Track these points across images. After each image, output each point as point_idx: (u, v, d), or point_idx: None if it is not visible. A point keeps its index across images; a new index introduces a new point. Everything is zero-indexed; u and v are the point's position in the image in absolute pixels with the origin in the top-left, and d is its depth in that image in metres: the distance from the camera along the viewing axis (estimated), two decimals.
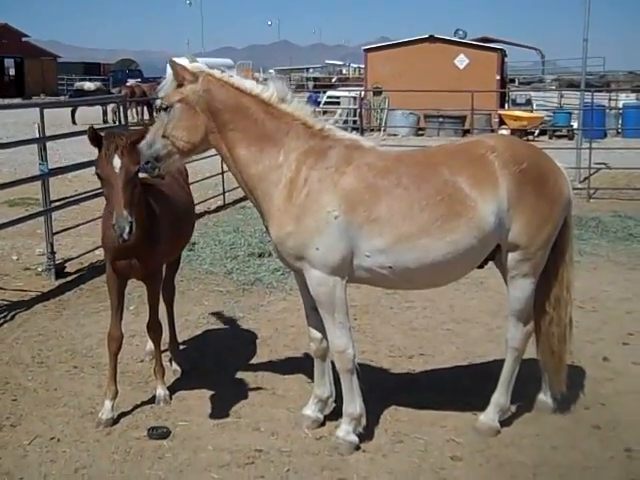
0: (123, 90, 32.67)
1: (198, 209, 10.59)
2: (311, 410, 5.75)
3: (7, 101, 45.16)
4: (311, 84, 54.89)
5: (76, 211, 12.63)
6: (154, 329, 6.14)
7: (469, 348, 7.28)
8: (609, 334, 7.58)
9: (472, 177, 5.11)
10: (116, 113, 32.91)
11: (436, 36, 32.19)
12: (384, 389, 6.29)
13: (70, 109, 33.05)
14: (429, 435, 5.58)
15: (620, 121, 27.77)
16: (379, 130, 29.41)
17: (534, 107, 30.04)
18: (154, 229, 5.70)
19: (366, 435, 5.49)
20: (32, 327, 7.98)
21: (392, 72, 30.66)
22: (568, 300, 5.70)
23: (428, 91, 23.55)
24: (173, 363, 6.80)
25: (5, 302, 8.77)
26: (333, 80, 56.82)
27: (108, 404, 5.82)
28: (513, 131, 24.01)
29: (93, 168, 5.38)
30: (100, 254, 9.84)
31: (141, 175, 5.32)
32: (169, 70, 5.15)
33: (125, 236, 5.01)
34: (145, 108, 33.68)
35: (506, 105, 31.32)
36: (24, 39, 68.86)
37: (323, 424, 5.72)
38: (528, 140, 22.60)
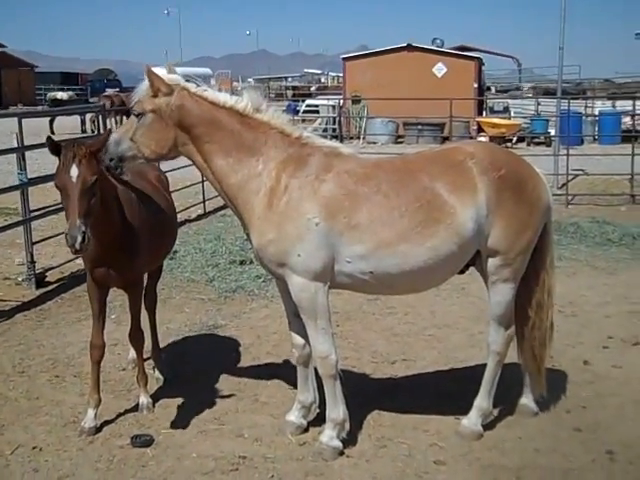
0: (102, 100, 32.53)
1: (179, 217, 10.56)
2: (294, 416, 5.76)
3: None
4: (290, 93, 54.96)
5: (55, 220, 12.54)
6: (136, 338, 6.12)
7: (451, 353, 7.32)
8: (589, 338, 7.64)
9: (451, 183, 5.15)
10: (94, 122, 32.81)
11: (414, 45, 32.37)
12: (367, 395, 6.30)
13: (48, 119, 32.89)
14: (412, 440, 5.60)
15: (596, 128, 28.02)
16: (358, 138, 29.51)
17: (512, 114, 30.27)
18: (131, 239, 5.66)
19: (350, 440, 5.50)
20: (13, 337, 7.93)
21: (371, 80, 30.78)
22: (549, 304, 5.76)
23: (407, 99, 23.70)
24: (156, 371, 6.78)
25: None
26: (312, 89, 56.93)
27: (91, 412, 5.79)
28: (491, 138, 24.19)
29: None
30: (81, 263, 9.76)
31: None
32: (145, 77, 5.16)
33: (77, 246, 4.82)
34: (124, 117, 33.54)
35: (484, 113, 31.51)
36: (0, 50, 68.42)
37: (307, 430, 5.73)
38: (506, 147, 22.74)
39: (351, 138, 29.24)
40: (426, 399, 6.24)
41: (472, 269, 5.63)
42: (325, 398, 5.45)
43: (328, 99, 33.98)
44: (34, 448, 5.55)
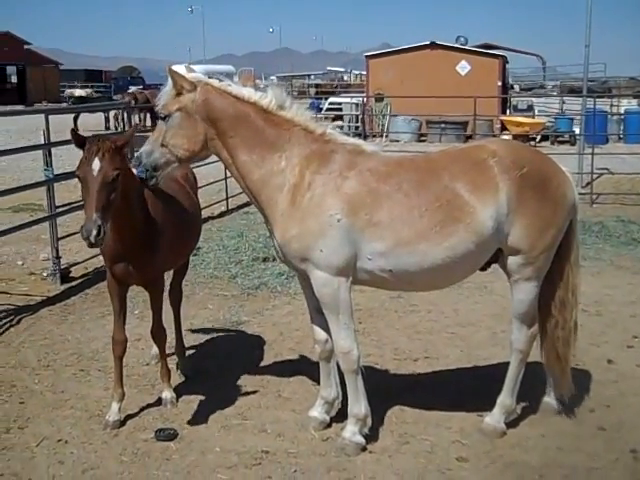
0: (126, 97, 32.72)
1: (202, 214, 10.60)
2: (317, 412, 5.78)
3: (9, 108, 45.21)
4: (313, 91, 54.92)
5: (80, 217, 12.59)
6: (158, 335, 6.14)
7: (473, 351, 7.30)
8: (613, 337, 7.61)
9: (471, 183, 5.14)
10: (118, 119, 33.04)
11: (438, 43, 32.27)
12: (389, 391, 6.31)
13: (72, 116, 33.14)
14: (435, 436, 5.60)
15: (622, 127, 27.81)
16: (381, 136, 29.46)
17: (536, 113, 30.08)
18: (153, 238, 5.65)
19: (372, 436, 5.51)
20: (38, 331, 8.01)
21: (394, 78, 30.74)
22: (573, 303, 5.71)
23: (430, 97, 23.56)
24: (179, 367, 6.83)
25: (11, 307, 8.81)
26: (335, 87, 56.89)
27: (115, 406, 5.84)
28: (515, 137, 24.05)
29: None
30: None
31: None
32: (169, 79, 5.17)
33: (92, 239, 4.80)
34: (148, 115, 33.74)
35: (508, 111, 31.34)
36: (26, 47, 69.14)
37: (329, 425, 5.75)
38: (530, 146, 22.61)
39: (374, 136, 29.17)
40: (448, 396, 6.23)
41: (495, 267, 5.62)
42: (347, 394, 5.47)
43: (351, 97, 33.94)
44: (59, 441, 5.60)
